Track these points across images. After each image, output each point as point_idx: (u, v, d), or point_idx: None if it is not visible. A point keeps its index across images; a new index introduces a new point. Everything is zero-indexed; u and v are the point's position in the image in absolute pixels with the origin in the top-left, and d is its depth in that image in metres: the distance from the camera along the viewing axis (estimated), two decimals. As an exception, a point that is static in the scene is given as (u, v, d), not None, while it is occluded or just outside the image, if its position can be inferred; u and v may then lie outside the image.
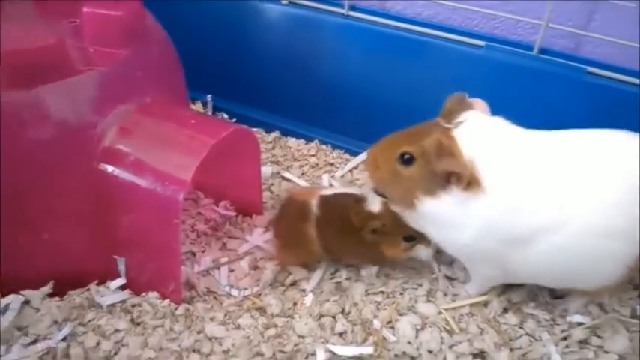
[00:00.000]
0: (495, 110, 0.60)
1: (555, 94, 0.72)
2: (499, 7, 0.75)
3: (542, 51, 0.73)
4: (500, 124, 0.54)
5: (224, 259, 0.68)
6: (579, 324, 0.61)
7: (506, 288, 0.64)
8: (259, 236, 0.71)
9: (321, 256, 0.65)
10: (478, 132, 0.53)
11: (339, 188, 0.67)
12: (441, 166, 0.52)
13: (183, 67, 0.69)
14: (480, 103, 0.56)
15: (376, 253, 0.62)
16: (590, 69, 0.70)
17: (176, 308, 0.60)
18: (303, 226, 0.63)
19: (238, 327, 0.60)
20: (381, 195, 0.60)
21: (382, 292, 0.65)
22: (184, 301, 0.61)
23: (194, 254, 0.68)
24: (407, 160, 0.54)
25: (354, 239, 0.61)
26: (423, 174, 0.53)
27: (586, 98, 0.71)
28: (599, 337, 0.60)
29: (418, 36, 0.78)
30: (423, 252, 0.62)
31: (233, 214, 0.73)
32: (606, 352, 0.58)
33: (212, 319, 0.61)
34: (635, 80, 0.68)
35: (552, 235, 0.51)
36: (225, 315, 0.62)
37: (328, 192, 0.65)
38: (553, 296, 0.64)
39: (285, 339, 0.60)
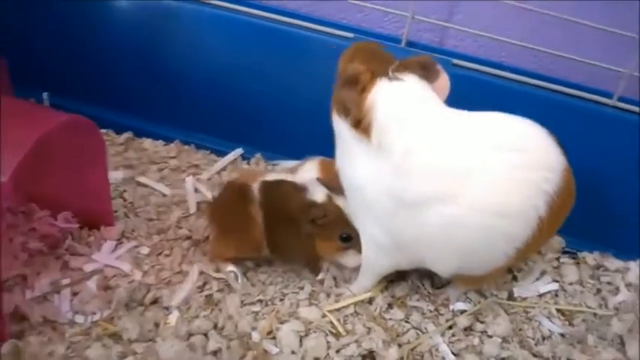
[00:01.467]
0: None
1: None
2: (366, -1, 0.74)
3: (410, 44, 0.73)
4: (428, 98, 0.53)
5: (65, 281, 0.56)
6: (462, 311, 0.60)
7: (389, 283, 0.62)
8: (109, 252, 0.60)
9: (261, 246, 0.59)
10: (403, 93, 0.52)
11: (281, 174, 0.61)
12: (339, 83, 0.53)
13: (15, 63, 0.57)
14: (442, 79, 0.54)
15: (309, 247, 0.58)
16: (455, 61, 0.72)
17: (-1, 347, 0.48)
18: (246, 209, 0.58)
19: (86, 360, 0.50)
20: (326, 186, 0.57)
21: (260, 300, 0.59)
22: (12, 336, 0.49)
23: (25, 278, 0.56)
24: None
25: (291, 229, 0.57)
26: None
27: (452, 88, 0.72)
28: (481, 322, 0.60)
29: (284, 27, 0.74)
30: (351, 259, 0.58)
31: (75, 226, 0.61)
32: (490, 336, 0.58)
33: (50, 354, 0.49)
34: (498, 72, 0.71)
35: (443, 207, 0.50)
36: (69, 348, 0.51)
37: (270, 177, 0.60)
38: (435, 287, 0.63)
39: (147, 367, 0.50)
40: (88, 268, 0.58)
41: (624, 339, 0.60)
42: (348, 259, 0.59)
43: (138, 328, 0.53)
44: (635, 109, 0.68)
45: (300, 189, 0.58)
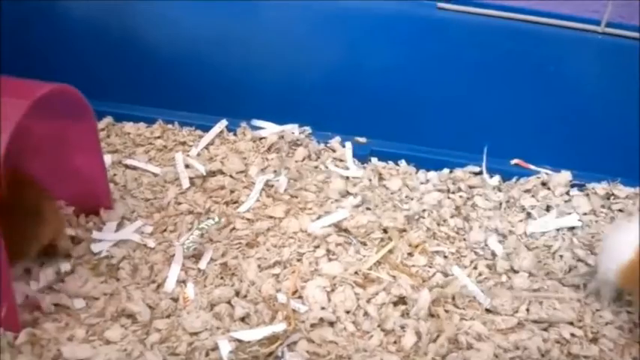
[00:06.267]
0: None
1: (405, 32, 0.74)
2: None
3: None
4: None
5: (67, 267, 0.54)
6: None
7: (404, 232, 0.63)
8: (112, 233, 0.58)
9: None
10: None
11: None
12: None
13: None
14: None
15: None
16: (440, 4, 0.72)
17: (16, 337, 0.45)
18: None
19: (108, 342, 0.48)
20: None
21: (277, 262, 0.58)
22: (25, 325, 0.47)
23: (29, 271, 0.54)
24: None
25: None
26: None
27: (438, 34, 0.73)
28: (506, 260, 0.60)
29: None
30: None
31: (69, 211, 0.59)
32: (516, 271, 0.59)
33: (70, 338, 0.47)
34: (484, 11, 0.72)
35: None
36: (88, 331, 0.49)
37: None
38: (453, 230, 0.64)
39: (174, 341, 0.49)
40: (95, 248, 0.56)
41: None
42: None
43: (156, 304, 0.52)
44: (626, 33, 0.70)
45: None
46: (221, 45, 0.77)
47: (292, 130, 0.75)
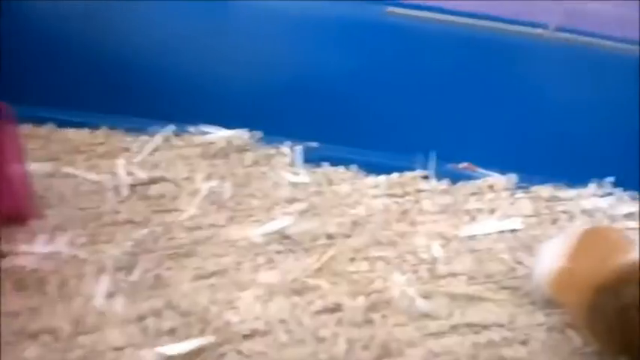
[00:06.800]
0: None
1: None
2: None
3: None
4: None
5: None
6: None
7: (347, 238, 0.62)
8: (43, 245, 0.57)
9: None
10: None
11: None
12: None
13: None
14: None
15: None
16: (390, 9, 0.72)
17: None
18: None
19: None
20: None
21: (214, 272, 0.57)
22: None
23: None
24: None
25: None
26: None
27: (389, 41, 0.73)
28: (446, 264, 0.60)
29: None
30: None
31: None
32: (455, 275, 0.59)
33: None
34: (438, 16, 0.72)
35: None
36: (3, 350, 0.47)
37: None
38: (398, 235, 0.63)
39: (96, 358, 0.48)
40: (22, 262, 0.55)
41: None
42: None
43: (82, 319, 0.50)
44: (576, 37, 0.70)
45: None
46: (169, 48, 0.76)
47: (242, 135, 0.74)
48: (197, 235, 0.61)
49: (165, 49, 0.75)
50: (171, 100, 0.76)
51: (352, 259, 0.60)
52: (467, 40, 0.71)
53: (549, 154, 0.73)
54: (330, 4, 0.72)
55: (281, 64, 0.75)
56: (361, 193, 0.68)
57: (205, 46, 0.75)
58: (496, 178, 0.70)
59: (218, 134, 0.74)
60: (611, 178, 0.72)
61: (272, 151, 0.73)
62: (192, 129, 0.74)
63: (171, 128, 0.74)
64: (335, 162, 0.73)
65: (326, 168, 0.72)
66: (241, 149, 0.72)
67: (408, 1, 0.73)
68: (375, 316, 0.53)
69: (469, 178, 0.71)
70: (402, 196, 0.68)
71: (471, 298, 0.56)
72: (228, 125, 0.74)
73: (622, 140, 0.74)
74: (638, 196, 0.72)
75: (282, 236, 0.61)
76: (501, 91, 0.72)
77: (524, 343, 0.52)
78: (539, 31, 0.70)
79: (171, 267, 0.57)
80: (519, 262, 0.60)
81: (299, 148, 0.73)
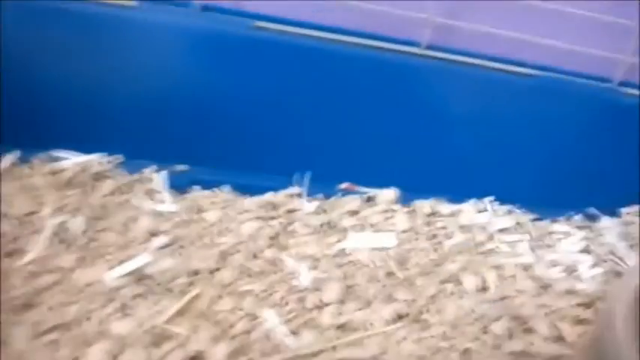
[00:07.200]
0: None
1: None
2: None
3: (206, 7, 0.68)
4: None
5: None
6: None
7: (216, 272, 0.58)
8: None
9: None
10: None
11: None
12: None
13: None
14: None
15: None
16: (257, 23, 0.68)
17: None
18: None
19: None
20: None
21: (57, 325, 0.51)
22: None
23: None
24: None
25: None
26: None
27: (256, 57, 0.69)
28: (317, 290, 0.58)
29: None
30: None
31: None
32: (327, 304, 0.57)
33: None
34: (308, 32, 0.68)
35: None
36: None
37: None
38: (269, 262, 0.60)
39: None
40: None
41: (460, 278, 0.63)
42: None
43: None
44: (447, 56, 0.70)
45: None
46: (16, 63, 0.67)
47: (99, 159, 0.68)
48: (40, 281, 0.54)
49: (11, 66, 0.67)
50: (16, 122, 0.68)
51: (218, 297, 0.56)
52: (338, 56, 0.69)
53: (431, 171, 0.73)
54: (196, 17, 0.67)
55: (142, 80, 0.69)
56: (231, 218, 0.65)
57: (53, 58, 0.67)
58: (374, 194, 0.69)
59: (71, 160, 0.67)
60: (491, 196, 0.74)
61: (134, 177, 0.67)
62: (41, 155, 0.67)
63: (16, 155, 0.66)
64: (206, 186, 0.68)
65: (196, 193, 0.68)
66: (99, 176, 0.66)
67: (277, 15, 0.69)
68: (240, 362, 0.50)
69: (346, 195, 0.69)
70: (274, 219, 0.65)
71: (343, 329, 0.54)
72: (83, 149, 0.68)
73: (502, 156, 0.76)
74: (514, 211, 0.74)
75: (140, 277, 0.56)
76: (378, 106, 0.71)
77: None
78: (411, 49, 0.69)
79: (6, 321, 0.50)
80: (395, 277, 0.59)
81: (164, 172, 0.67)
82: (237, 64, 0.68)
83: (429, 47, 0.69)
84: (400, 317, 0.57)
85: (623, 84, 0.76)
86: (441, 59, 0.70)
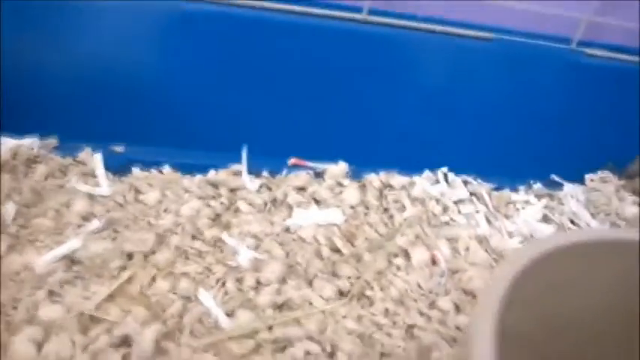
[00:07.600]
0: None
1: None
2: None
3: None
4: None
5: None
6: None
7: (151, 255, 0.56)
8: None
9: None
10: None
11: None
12: None
13: None
14: None
15: None
16: None
17: None
18: None
19: None
20: None
21: (-21, 316, 0.49)
22: None
23: None
24: None
25: None
26: None
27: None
28: (255, 271, 0.56)
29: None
30: None
31: None
32: (264, 284, 0.55)
33: None
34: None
35: None
36: None
37: None
38: (209, 244, 0.58)
39: None
40: None
41: (409, 252, 0.61)
42: None
43: None
44: (389, 20, 0.67)
45: None
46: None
47: (31, 143, 0.65)
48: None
49: None
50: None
51: (152, 280, 0.54)
52: (277, 25, 0.66)
53: (382, 143, 0.71)
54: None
55: (75, 59, 0.66)
56: (171, 199, 0.62)
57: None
58: (323, 169, 0.67)
59: (2, 145, 0.64)
60: (444, 167, 0.72)
61: (69, 160, 0.65)
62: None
63: (-58, 140, 0.64)
64: (146, 165, 0.66)
65: (135, 174, 0.65)
66: (31, 161, 0.64)
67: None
68: (170, 345, 0.48)
69: (294, 171, 0.67)
70: (215, 198, 0.63)
71: (282, 309, 0.53)
72: (14, 132, 0.65)
73: (456, 124, 0.74)
74: (470, 182, 0.73)
75: (71, 262, 0.54)
76: (324, 77, 0.69)
77: (331, 355, 0.50)
78: (353, 14, 0.66)
79: None
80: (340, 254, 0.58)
81: (99, 154, 0.65)
82: (172, 39, 0.66)
83: (371, 12, 0.66)
84: (342, 294, 0.56)
85: (582, 43, 0.73)
86: (385, 25, 0.67)
